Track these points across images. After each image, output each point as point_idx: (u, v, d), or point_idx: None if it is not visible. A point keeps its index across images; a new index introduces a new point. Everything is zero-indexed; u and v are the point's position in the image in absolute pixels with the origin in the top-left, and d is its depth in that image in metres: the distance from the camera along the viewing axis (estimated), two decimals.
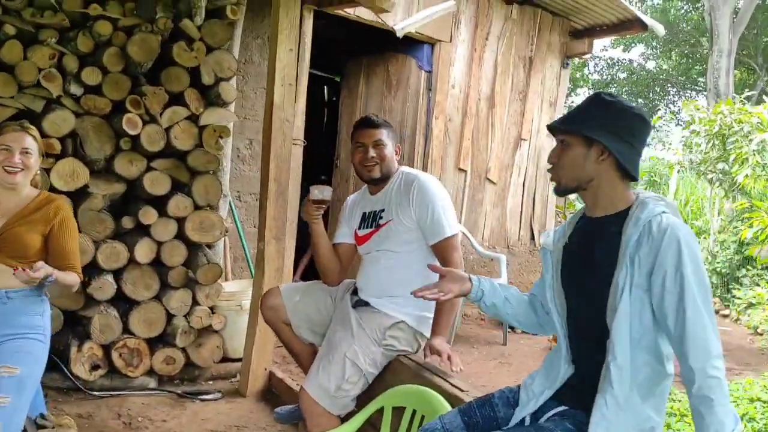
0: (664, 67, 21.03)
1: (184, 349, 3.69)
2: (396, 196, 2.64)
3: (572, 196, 9.69)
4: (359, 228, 2.76)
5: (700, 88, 20.56)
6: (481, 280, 1.93)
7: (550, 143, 6.33)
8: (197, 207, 3.64)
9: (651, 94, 21.04)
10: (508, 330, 5.12)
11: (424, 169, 5.47)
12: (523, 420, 1.76)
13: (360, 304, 2.66)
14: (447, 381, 2.31)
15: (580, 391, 1.67)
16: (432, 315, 2.57)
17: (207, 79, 3.61)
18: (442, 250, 2.54)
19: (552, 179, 1.75)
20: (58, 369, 3.35)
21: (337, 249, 2.83)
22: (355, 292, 2.74)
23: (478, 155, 5.85)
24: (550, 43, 6.17)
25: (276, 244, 3.59)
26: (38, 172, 2.40)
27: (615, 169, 1.66)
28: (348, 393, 2.48)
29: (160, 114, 3.49)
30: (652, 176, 12.68)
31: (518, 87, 6.01)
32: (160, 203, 3.56)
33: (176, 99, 3.57)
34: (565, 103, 7.34)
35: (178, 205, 3.57)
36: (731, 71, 16.47)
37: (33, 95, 3.24)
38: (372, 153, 2.63)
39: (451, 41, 5.49)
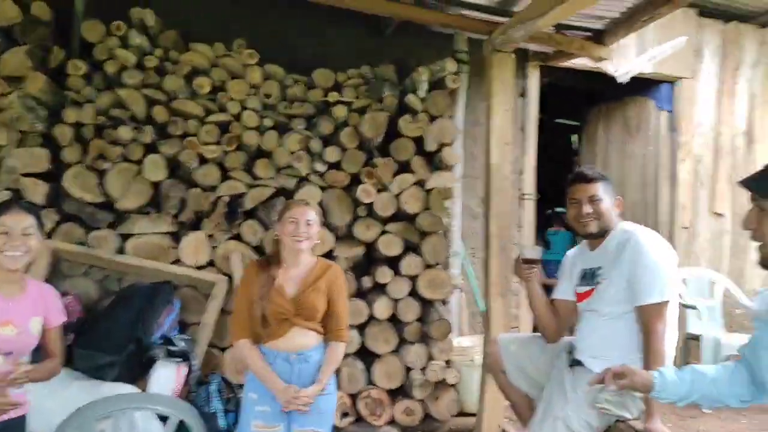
0: None
1: (423, 402, 3.88)
2: (613, 254, 2.52)
3: None
4: (579, 285, 2.69)
5: None
6: (663, 384, 1.77)
7: None
8: (427, 266, 3.88)
9: None
10: None
11: (672, 215, 5.08)
12: None
13: (575, 363, 2.59)
14: None
15: None
16: None
17: (431, 146, 3.88)
18: (645, 315, 2.37)
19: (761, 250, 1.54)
20: None
21: (555, 305, 2.79)
22: (572, 350, 2.67)
23: (739, 197, 5.23)
24: None
25: (501, 300, 3.64)
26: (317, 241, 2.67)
27: None
28: None
29: (391, 182, 3.84)
30: None
31: None
32: (394, 263, 3.88)
33: (404, 167, 3.90)
34: None
35: (410, 264, 3.85)
36: None
37: (287, 175, 3.80)
38: (587, 209, 2.55)
39: (693, 77, 5.09)
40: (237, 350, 2.62)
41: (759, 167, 4.95)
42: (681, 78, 5.08)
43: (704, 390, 1.71)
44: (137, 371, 3.03)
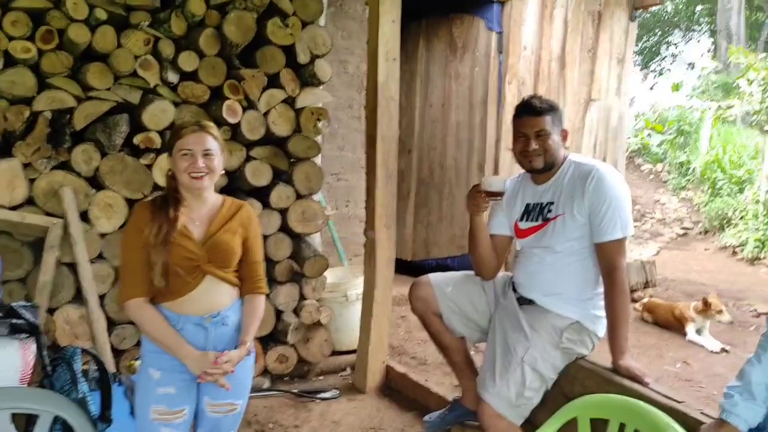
0: (668, 9, 20.39)
1: (293, 346, 3.50)
2: (568, 188, 2.38)
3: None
4: (521, 220, 2.53)
5: (704, 29, 20.22)
6: (739, 415, 1.63)
7: (618, 103, 6.05)
8: (299, 196, 3.42)
9: (651, 37, 20.66)
10: None
11: (498, 136, 5.22)
12: None
13: (523, 302, 2.46)
14: (653, 390, 2.10)
15: None
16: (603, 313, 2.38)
17: (303, 57, 3.33)
18: (608, 252, 2.29)
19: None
20: None
21: (492, 240, 2.61)
22: (515, 288, 2.53)
23: None
24: None
25: (387, 232, 3.38)
26: (222, 173, 2.14)
27: None
28: (530, 401, 2.29)
29: (258, 99, 3.23)
30: (681, 125, 12.28)
31: (587, 44, 5.68)
32: (261, 194, 3.34)
33: (271, 81, 3.30)
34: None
35: (280, 195, 3.35)
36: (742, 11, 15.99)
37: (129, 85, 2.96)
38: (534, 145, 2.36)
39: None
40: (130, 313, 1.99)
41: (568, 91, 5.23)
42: None
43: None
44: None
